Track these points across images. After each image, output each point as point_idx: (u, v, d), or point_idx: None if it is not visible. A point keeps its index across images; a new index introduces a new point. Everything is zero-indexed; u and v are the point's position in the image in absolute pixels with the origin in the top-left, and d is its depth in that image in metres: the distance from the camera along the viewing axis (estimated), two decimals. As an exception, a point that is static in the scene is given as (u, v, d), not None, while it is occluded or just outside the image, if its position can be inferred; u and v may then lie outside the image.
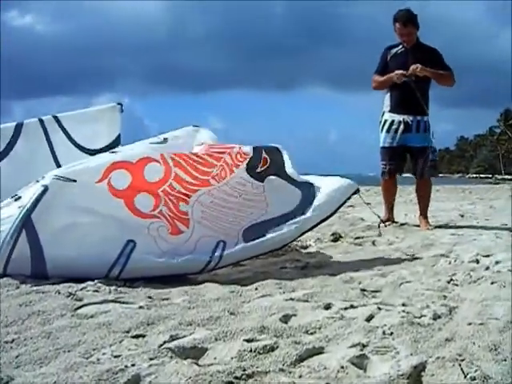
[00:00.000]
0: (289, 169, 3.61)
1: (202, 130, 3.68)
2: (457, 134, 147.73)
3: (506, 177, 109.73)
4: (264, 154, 3.41)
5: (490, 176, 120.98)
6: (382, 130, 5.37)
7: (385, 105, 5.39)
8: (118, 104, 4.30)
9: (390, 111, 5.32)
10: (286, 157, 3.62)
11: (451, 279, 3.00)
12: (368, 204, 4.38)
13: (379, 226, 4.57)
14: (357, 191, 3.66)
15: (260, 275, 3.16)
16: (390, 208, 5.58)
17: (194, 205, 3.15)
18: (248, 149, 3.38)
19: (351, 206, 7.82)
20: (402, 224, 5.37)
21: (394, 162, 5.36)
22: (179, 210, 3.08)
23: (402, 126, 5.20)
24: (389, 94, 5.34)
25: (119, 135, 4.25)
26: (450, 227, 5.38)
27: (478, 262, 3.53)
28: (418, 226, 5.32)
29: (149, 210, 3.00)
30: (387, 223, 5.37)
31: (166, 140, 3.56)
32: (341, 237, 4.60)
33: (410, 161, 5.38)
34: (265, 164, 3.41)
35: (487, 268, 3.31)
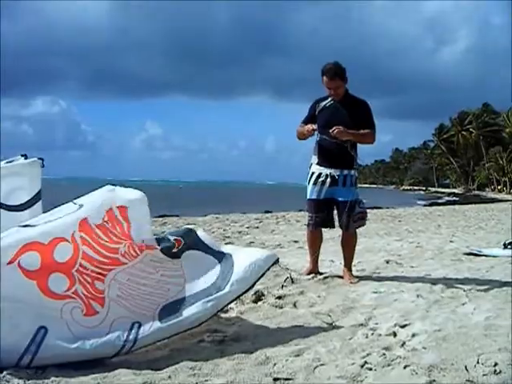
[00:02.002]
0: (207, 240, 3.69)
1: (119, 190, 3.64)
2: (393, 145, 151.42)
3: (439, 189, 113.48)
4: (173, 237, 3.49)
5: (424, 188, 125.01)
6: (309, 182, 5.50)
7: (312, 157, 5.53)
8: (39, 159, 4.24)
9: (317, 164, 5.46)
10: (201, 233, 3.71)
11: (365, 362, 3.09)
12: (285, 281, 4.44)
13: (285, 280, 4.58)
14: (276, 261, 3.75)
15: (176, 354, 3.20)
16: (314, 260, 5.70)
17: (111, 283, 3.16)
18: (152, 241, 3.41)
19: (279, 245, 8.01)
20: (326, 277, 5.46)
21: (320, 215, 5.49)
22: (95, 288, 3.09)
23: (328, 180, 5.35)
24: (317, 147, 5.48)
25: (40, 191, 4.19)
26: (374, 279, 5.53)
27: (395, 335, 3.64)
28: (342, 277, 5.45)
29: (63, 291, 2.99)
30: (311, 275, 5.48)
31: (81, 206, 3.53)
32: (263, 295, 4.66)
33: (337, 213, 5.51)
34: (179, 244, 3.47)
35: (403, 344, 3.43)
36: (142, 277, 3.28)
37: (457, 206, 26.78)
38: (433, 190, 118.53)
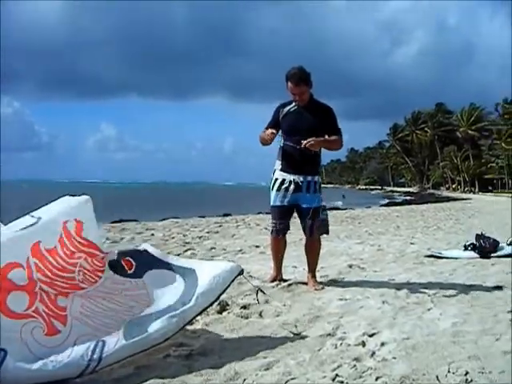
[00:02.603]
0: (161, 256, 3.64)
1: (77, 201, 3.53)
2: (349, 145, 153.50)
3: (395, 188, 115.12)
4: (126, 258, 3.42)
5: (380, 187, 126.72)
6: (272, 188, 5.46)
7: (276, 163, 5.48)
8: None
9: (281, 169, 5.42)
10: (153, 250, 3.65)
11: (336, 375, 3.05)
12: (257, 295, 4.38)
13: (257, 293, 4.52)
14: (241, 273, 3.71)
15: (142, 371, 3.12)
16: (278, 266, 5.66)
17: (74, 299, 3.07)
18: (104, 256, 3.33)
19: (241, 251, 7.95)
20: (290, 284, 5.42)
21: (283, 221, 5.47)
22: (57, 305, 2.99)
23: (292, 186, 5.31)
24: (280, 152, 5.43)
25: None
26: (338, 284, 5.53)
27: (364, 344, 3.62)
28: (307, 283, 5.43)
29: (23, 309, 2.88)
30: (275, 282, 5.44)
31: (39, 219, 3.42)
32: (227, 305, 4.59)
33: (300, 219, 5.48)
34: (131, 266, 3.41)
35: (373, 354, 3.40)
36: (105, 297, 3.21)
37: (414, 206, 27.10)
38: (388, 189, 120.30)
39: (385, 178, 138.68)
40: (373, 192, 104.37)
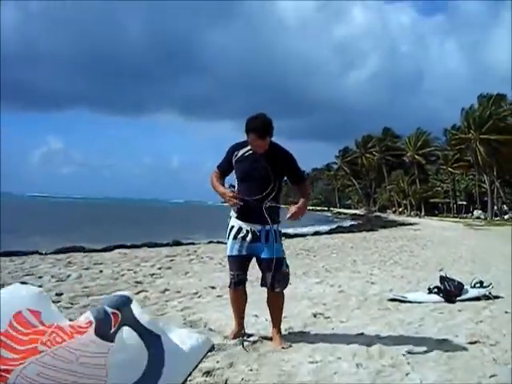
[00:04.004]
0: (143, 319, 3.18)
1: (28, 290, 3.10)
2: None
3: (341, 210, 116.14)
4: (110, 310, 2.95)
5: (326, 208, 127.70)
6: (228, 236, 5.06)
7: (232, 209, 5.07)
8: None
9: (237, 217, 5.02)
10: (137, 310, 3.20)
11: None
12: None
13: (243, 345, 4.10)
14: (212, 348, 3.32)
15: None
16: (240, 321, 5.27)
17: (17, 379, 2.63)
18: (89, 316, 2.88)
19: (197, 294, 7.53)
20: (255, 341, 5.04)
21: (242, 273, 5.09)
22: None
23: (249, 236, 4.93)
24: None
25: None
26: (305, 339, 5.18)
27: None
28: (271, 339, 5.06)
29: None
30: (238, 339, 5.05)
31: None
32: (188, 370, 4.18)
33: (260, 271, 5.10)
34: (117, 320, 2.95)
35: None
36: (56, 369, 2.76)
37: (366, 235, 27.02)
38: (335, 210, 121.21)
39: (331, 200, 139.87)
40: (320, 213, 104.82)
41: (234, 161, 4.99)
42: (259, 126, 4.76)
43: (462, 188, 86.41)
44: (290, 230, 28.86)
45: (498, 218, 67.60)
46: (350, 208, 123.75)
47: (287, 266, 5.11)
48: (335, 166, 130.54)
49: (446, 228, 39.43)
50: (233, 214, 5.06)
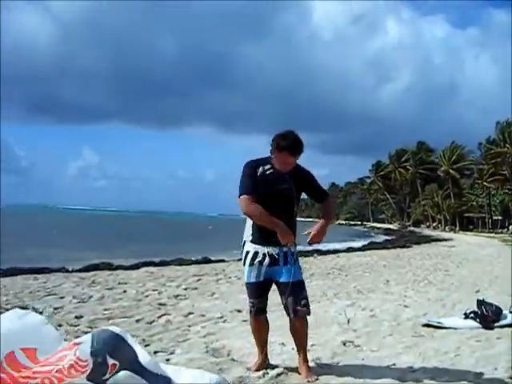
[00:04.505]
0: (143, 358, 2.94)
1: (29, 316, 2.91)
2: (330, 179, 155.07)
3: (375, 224, 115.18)
4: (110, 360, 2.72)
5: (360, 223, 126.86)
6: (244, 263, 4.76)
7: (246, 233, 4.77)
8: None
9: (252, 241, 4.71)
10: (133, 343, 2.95)
11: None
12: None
13: None
14: None
15: None
16: (263, 350, 4.98)
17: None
18: (86, 356, 2.65)
19: (221, 318, 7.27)
20: (279, 374, 4.74)
21: (262, 299, 4.80)
22: None
23: (267, 259, 4.62)
24: (251, 222, 4.71)
25: None
26: (334, 372, 4.87)
27: None
28: (297, 370, 4.76)
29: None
30: (262, 371, 4.76)
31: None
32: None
33: (280, 296, 4.79)
34: (113, 369, 2.72)
35: None
36: None
37: (399, 251, 26.51)
38: (368, 224, 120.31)
39: (365, 214, 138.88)
40: (355, 228, 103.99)
41: (257, 177, 4.66)
42: (294, 145, 4.53)
43: (497, 202, 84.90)
44: (321, 246, 28.67)
45: (535, 233, 66.20)
46: (383, 222, 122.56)
47: (305, 291, 4.81)
48: (369, 180, 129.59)
49: (482, 245, 38.57)
50: (247, 237, 4.76)
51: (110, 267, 14.18)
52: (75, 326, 6.28)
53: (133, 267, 14.49)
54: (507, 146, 68.63)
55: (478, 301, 7.59)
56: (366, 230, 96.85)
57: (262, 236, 4.63)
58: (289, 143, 4.51)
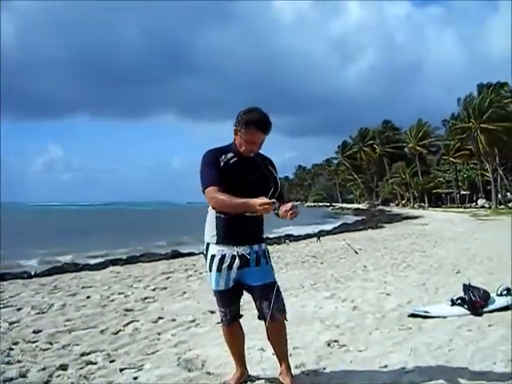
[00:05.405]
0: None
1: None
2: (297, 162, 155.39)
3: (344, 205, 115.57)
4: None
5: (328, 204, 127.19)
6: (210, 269, 4.13)
7: (208, 234, 4.15)
8: None
9: (217, 242, 4.09)
10: None
11: None
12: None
13: None
14: None
15: None
16: (240, 361, 4.48)
17: None
18: None
19: (194, 321, 6.77)
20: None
21: (233, 307, 4.26)
22: None
23: (237, 261, 4.03)
24: (215, 220, 4.09)
25: None
26: (320, 379, 4.44)
27: None
28: (280, 382, 4.28)
29: None
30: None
31: None
32: None
33: (254, 301, 4.23)
34: None
35: None
36: None
37: (372, 233, 26.17)
38: (337, 205, 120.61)
39: (333, 195, 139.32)
40: (324, 210, 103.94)
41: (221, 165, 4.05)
42: (261, 118, 3.97)
43: (464, 178, 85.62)
44: (294, 231, 28.24)
45: (502, 207, 66.76)
46: (352, 202, 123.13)
47: (280, 292, 4.29)
48: (335, 161, 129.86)
49: (454, 220, 38.63)
50: (210, 239, 4.13)
51: (74, 268, 13.59)
52: (33, 342, 5.71)
53: (99, 267, 13.91)
54: (472, 121, 68.84)
55: (464, 285, 7.23)
56: (335, 211, 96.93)
57: (230, 234, 4.05)
58: (256, 116, 3.95)
